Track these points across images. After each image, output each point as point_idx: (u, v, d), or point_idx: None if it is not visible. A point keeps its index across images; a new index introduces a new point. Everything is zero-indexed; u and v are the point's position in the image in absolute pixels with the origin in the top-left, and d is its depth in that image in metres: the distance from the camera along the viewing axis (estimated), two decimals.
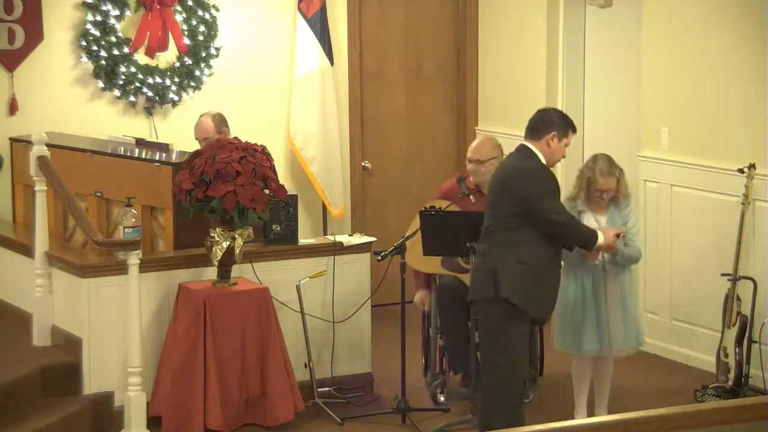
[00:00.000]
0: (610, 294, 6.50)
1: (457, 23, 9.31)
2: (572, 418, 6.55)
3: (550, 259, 6.05)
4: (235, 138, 6.93)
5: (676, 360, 7.82)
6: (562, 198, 6.38)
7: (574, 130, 6.21)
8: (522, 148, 6.11)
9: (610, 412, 6.51)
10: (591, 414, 6.66)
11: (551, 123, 6.10)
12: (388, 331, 7.51)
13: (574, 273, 6.52)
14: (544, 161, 6.06)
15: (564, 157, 6.23)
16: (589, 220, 6.49)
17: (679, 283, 7.79)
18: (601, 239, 6.15)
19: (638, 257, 6.62)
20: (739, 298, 7.04)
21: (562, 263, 6.28)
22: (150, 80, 8.21)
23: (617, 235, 6.27)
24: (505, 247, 5.98)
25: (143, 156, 7.26)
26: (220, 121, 7.63)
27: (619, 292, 6.52)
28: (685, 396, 7.06)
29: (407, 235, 6.83)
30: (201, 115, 7.71)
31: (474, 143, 7.28)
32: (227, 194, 6.43)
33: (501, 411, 6.03)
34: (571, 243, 6.20)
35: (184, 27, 8.29)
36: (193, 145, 7.44)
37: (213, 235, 6.59)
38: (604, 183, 6.48)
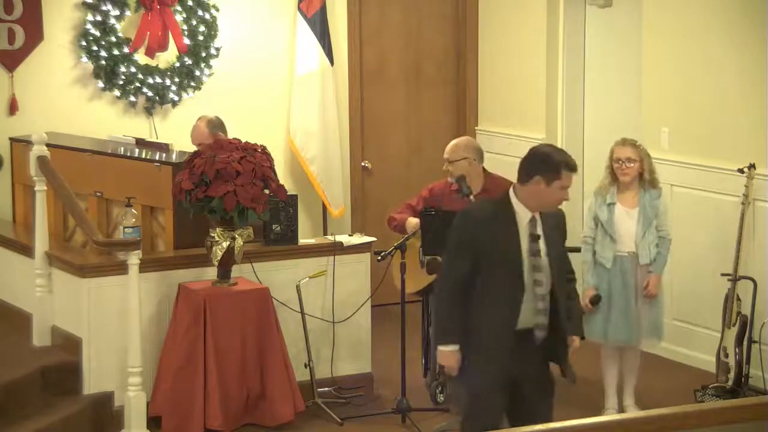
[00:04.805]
0: (642, 286, 6.70)
1: (457, 23, 9.30)
2: (576, 415, 6.52)
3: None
4: (235, 138, 6.92)
5: (676, 360, 7.82)
6: (594, 189, 6.72)
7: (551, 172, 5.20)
8: None
9: (628, 405, 6.66)
10: (620, 401, 6.75)
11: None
12: (388, 331, 7.51)
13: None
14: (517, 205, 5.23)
15: (560, 200, 5.25)
16: (620, 213, 6.70)
17: (679, 283, 7.78)
18: (445, 350, 5.31)
19: (669, 243, 6.85)
20: (739, 298, 7.04)
21: (597, 249, 6.61)
22: (150, 80, 8.20)
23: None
24: None
25: (143, 156, 7.26)
26: (216, 125, 7.51)
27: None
28: (685, 396, 7.05)
29: (406, 235, 6.83)
30: (198, 119, 7.66)
31: (450, 143, 7.21)
32: (227, 194, 6.43)
33: None
34: (435, 311, 5.48)
35: (184, 27, 8.28)
36: (193, 145, 7.43)
37: (213, 235, 6.59)
38: (619, 151, 6.75)
